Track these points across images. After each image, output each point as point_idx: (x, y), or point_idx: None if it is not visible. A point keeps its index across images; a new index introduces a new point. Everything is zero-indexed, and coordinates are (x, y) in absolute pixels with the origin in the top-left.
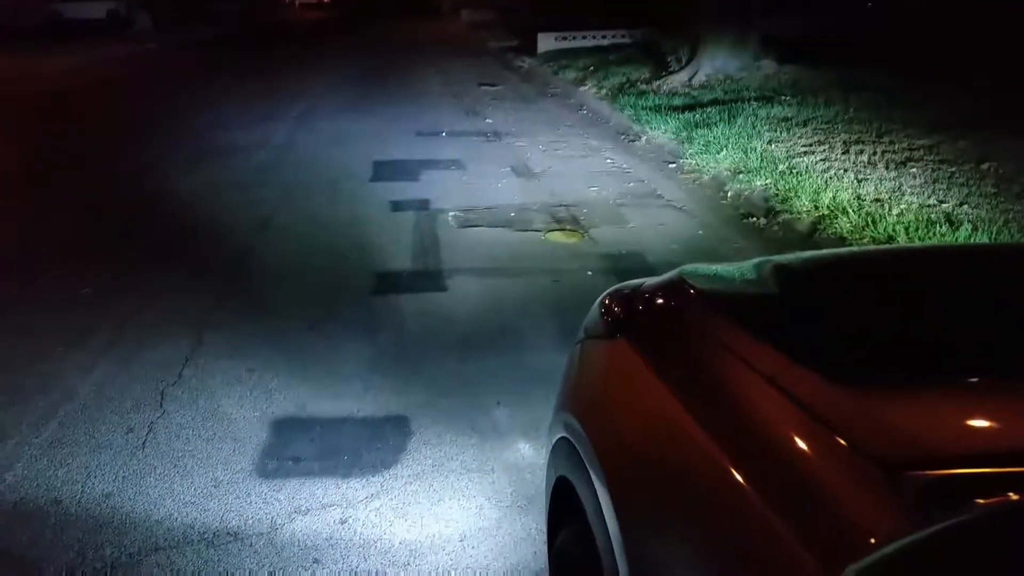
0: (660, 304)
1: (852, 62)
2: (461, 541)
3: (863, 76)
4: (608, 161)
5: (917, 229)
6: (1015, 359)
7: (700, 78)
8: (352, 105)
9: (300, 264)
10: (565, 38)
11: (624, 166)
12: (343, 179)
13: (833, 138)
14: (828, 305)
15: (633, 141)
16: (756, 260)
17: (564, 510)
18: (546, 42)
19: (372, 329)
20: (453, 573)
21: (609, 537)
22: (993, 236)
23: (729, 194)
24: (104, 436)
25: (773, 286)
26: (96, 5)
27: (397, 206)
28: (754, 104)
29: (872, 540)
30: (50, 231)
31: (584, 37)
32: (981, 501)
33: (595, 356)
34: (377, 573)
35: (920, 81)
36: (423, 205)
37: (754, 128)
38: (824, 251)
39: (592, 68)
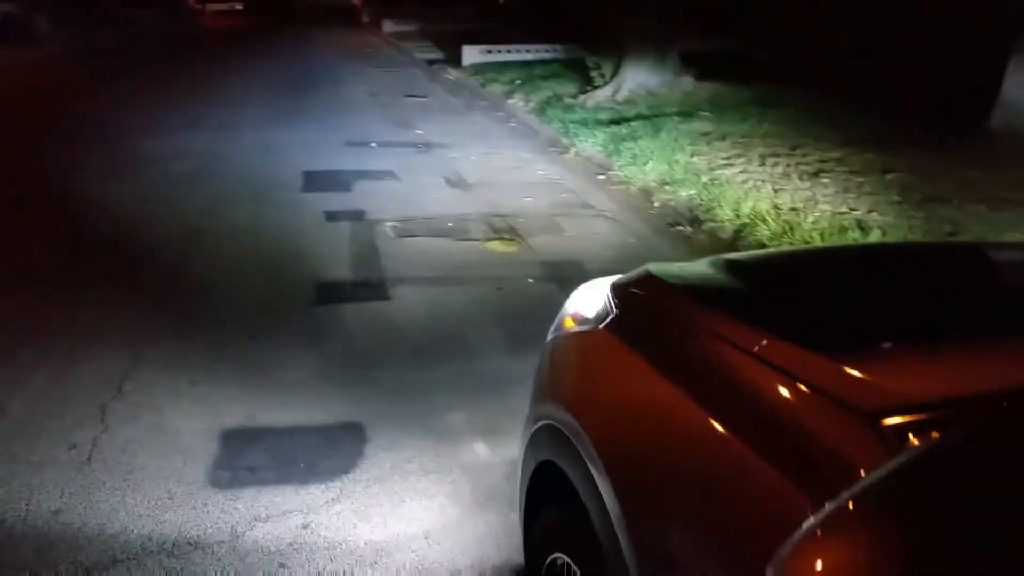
0: (641, 296)
1: (765, 80)
2: (426, 539)
3: (776, 93)
4: (540, 172)
5: (831, 234)
6: (942, 326)
7: (624, 93)
8: (277, 114)
9: (237, 275)
10: (490, 51)
11: (556, 177)
12: (273, 189)
13: (751, 151)
14: (786, 291)
15: (562, 153)
16: (710, 258)
17: (548, 493)
18: (472, 55)
19: (318, 339)
20: (420, 569)
21: (607, 513)
22: (900, 239)
23: (656, 204)
24: (46, 453)
25: (733, 278)
26: None
27: (332, 216)
28: (676, 119)
29: (861, 473)
30: None
31: (509, 51)
32: (937, 435)
33: (576, 346)
34: (344, 573)
35: (827, 98)
36: (359, 216)
37: (677, 142)
38: (770, 250)
39: (519, 82)
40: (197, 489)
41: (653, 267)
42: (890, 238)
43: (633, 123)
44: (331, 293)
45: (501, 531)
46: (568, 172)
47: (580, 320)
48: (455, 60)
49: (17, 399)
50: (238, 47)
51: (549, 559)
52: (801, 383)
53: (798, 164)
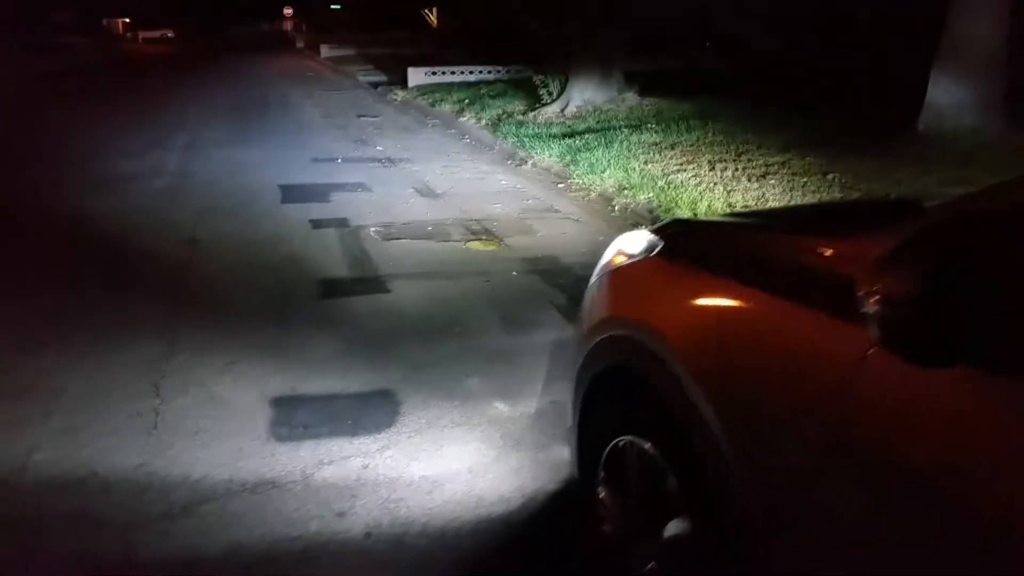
0: (688, 228)
1: (702, 94)
2: (470, 473)
3: (715, 106)
4: (503, 182)
5: None
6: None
7: (572, 109)
8: (237, 135)
9: (242, 276)
10: (435, 73)
11: (518, 186)
12: (253, 201)
13: (699, 158)
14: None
15: (520, 165)
16: (721, 214)
17: (609, 394)
18: (417, 76)
19: (332, 325)
20: (470, 495)
21: (685, 393)
22: None
23: (616, 207)
24: (114, 421)
25: (748, 218)
26: None
27: (317, 224)
28: (625, 131)
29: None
30: None
31: (454, 72)
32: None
33: (638, 271)
34: (406, 499)
35: (763, 109)
36: (342, 223)
37: (630, 151)
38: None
39: (467, 101)
40: (262, 443)
41: (679, 218)
42: None
43: (586, 136)
44: (334, 288)
45: (533, 466)
46: (528, 182)
47: (630, 255)
48: (400, 82)
49: (74, 380)
50: (180, 73)
51: (612, 444)
52: (835, 261)
53: (745, 168)
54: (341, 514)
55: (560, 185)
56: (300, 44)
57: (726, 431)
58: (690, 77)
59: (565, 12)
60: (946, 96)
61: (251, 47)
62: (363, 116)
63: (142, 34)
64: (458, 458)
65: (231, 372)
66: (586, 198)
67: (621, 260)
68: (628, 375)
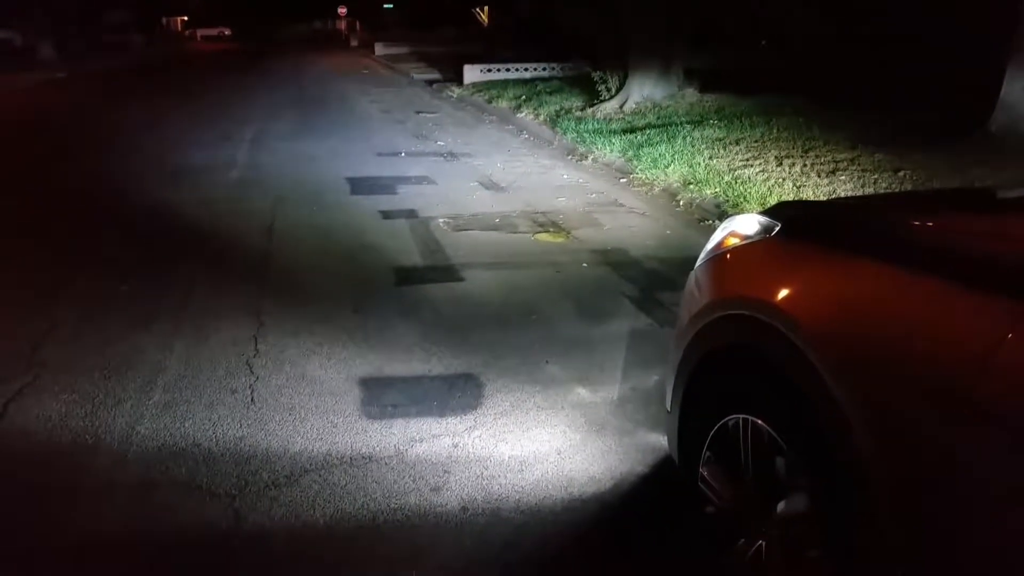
0: (806, 211)
1: (762, 90)
2: (558, 455)
3: (776, 102)
4: (564, 177)
5: None
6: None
7: (631, 105)
8: (300, 129)
9: (320, 262)
10: (490, 70)
11: (580, 181)
12: (324, 192)
13: (765, 154)
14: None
15: (581, 160)
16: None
17: (727, 371)
18: (472, 74)
19: (411, 311)
20: (560, 475)
21: (814, 370)
22: None
23: (681, 202)
24: (213, 396)
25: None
26: None
27: (387, 215)
28: (688, 127)
29: None
30: (53, 241)
31: (508, 69)
32: None
33: (755, 251)
34: (498, 477)
35: (825, 106)
36: (411, 214)
37: (693, 147)
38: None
39: (524, 97)
40: (355, 420)
41: (790, 201)
42: None
43: (647, 132)
44: (409, 276)
45: (620, 449)
46: (591, 176)
47: (744, 237)
48: (455, 79)
49: (170, 358)
50: (239, 70)
51: (721, 423)
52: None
53: (813, 164)
54: (436, 489)
55: (623, 180)
56: (354, 43)
57: (859, 407)
58: (749, 73)
59: (625, 9)
60: (1021, 94)
61: (306, 45)
62: (421, 112)
63: (200, 32)
64: (545, 440)
65: (318, 353)
66: (649, 193)
67: (734, 242)
68: (743, 354)
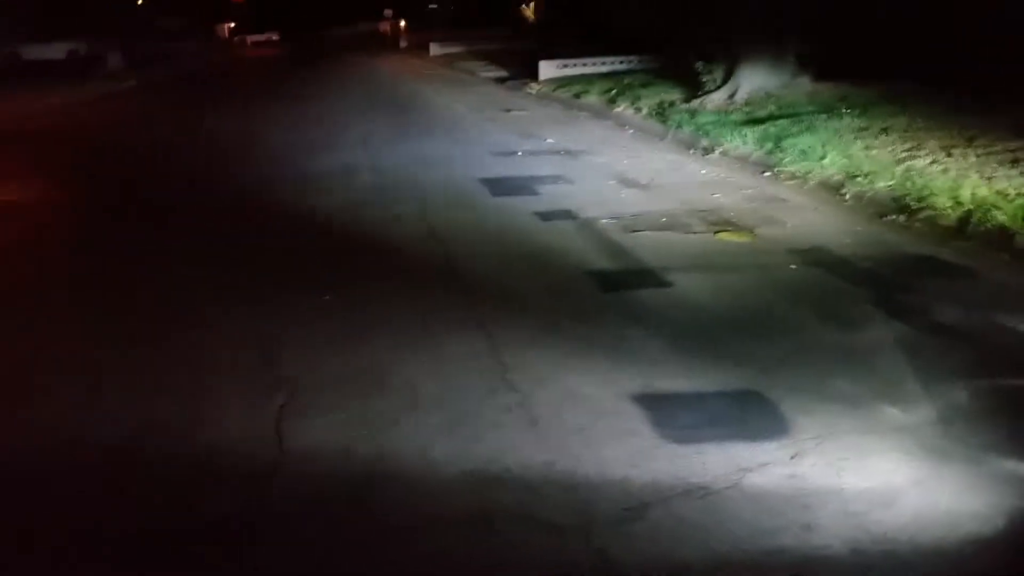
0: None
1: (881, 76)
2: (917, 486)
3: (903, 88)
4: (702, 172)
5: None
6: None
7: (741, 96)
8: (401, 132)
9: (505, 268)
10: (566, 65)
11: (722, 176)
12: (464, 194)
13: (924, 143)
14: None
15: (707, 154)
16: None
17: None
18: (547, 70)
19: (636, 318)
20: (936, 508)
21: None
22: None
23: (848, 196)
24: (489, 416)
25: None
26: (56, 46)
27: (544, 216)
28: (821, 117)
29: None
30: (244, 254)
31: (584, 64)
32: None
33: None
34: (867, 513)
35: (955, 93)
36: (568, 215)
37: (840, 137)
38: None
39: (614, 92)
40: (659, 444)
41: None
42: None
43: (777, 122)
44: (610, 281)
45: (985, 479)
46: (729, 170)
47: None
48: (528, 76)
49: (417, 373)
50: (299, 76)
51: None
52: None
53: (988, 154)
54: (808, 528)
55: (766, 173)
56: (403, 44)
57: None
58: (863, 58)
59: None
60: None
61: (355, 47)
62: (510, 110)
63: (250, 38)
64: (890, 470)
65: (568, 368)
66: (804, 186)
67: None
68: None
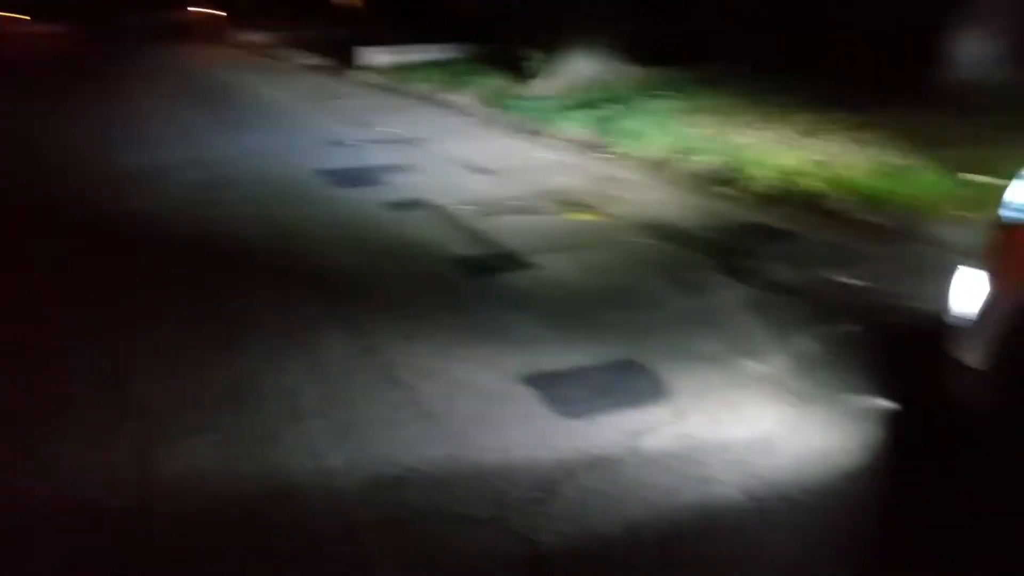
0: None
1: (701, 60)
2: (788, 430)
3: (720, 70)
4: (542, 156)
5: (879, 177)
6: None
7: (570, 82)
8: (224, 124)
9: (367, 262)
10: (393, 53)
11: (561, 159)
12: (306, 187)
13: (736, 120)
14: None
15: (541, 138)
16: None
17: None
18: (374, 57)
19: (511, 302)
20: (811, 449)
21: None
22: (937, 179)
23: (673, 171)
24: (390, 415)
25: None
26: None
27: (397, 206)
28: (643, 98)
29: None
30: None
31: (411, 52)
32: None
33: None
34: (751, 461)
35: (774, 72)
36: (421, 204)
37: (658, 118)
38: None
39: (442, 79)
40: (556, 421)
41: None
42: (922, 177)
43: (602, 106)
44: (478, 267)
45: (847, 416)
46: (566, 154)
47: None
48: (349, 63)
49: (296, 379)
50: (92, 63)
51: None
52: None
53: (792, 128)
54: (706, 481)
55: (598, 155)
56: (213, 31)
57: None
58: (683, 43)
59: None
60: (965, 50)
61: (157, 36)
62: (339, 99)
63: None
64: (762, 417)
65: (453, 356)
66: (636, 165)
67: None
68: None
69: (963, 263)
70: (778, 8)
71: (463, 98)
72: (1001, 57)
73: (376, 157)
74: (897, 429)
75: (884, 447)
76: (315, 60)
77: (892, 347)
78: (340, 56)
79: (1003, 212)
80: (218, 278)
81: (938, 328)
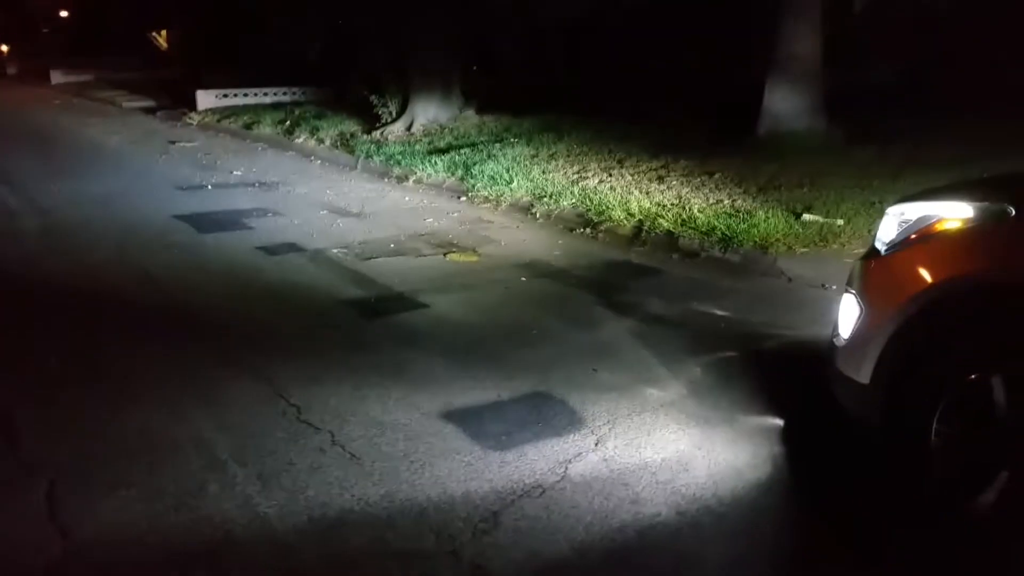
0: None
1: (533, 110)
2: (699, 449)
3: (554, 119)
4: (406, 199)
5: (721, 218)
6: None
7: (417, 127)
8: (53, 170)
9: (256, 308)
10: (226, 95)
11: (425, 202)
12: (168, 234)
13: (588, 166)
14: None
15: (403, 182)
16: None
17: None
18: (207, 99)
19: (413, 342)
20: (729, 466)
21: None
22: (776, 218)
23: (538, 214)
24: (307, 459)
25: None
26: None
27: (270, 251)
28: (495, 146)
29: None
30: None
31: (246, 95)
32: None
33: (995, 231)
34: (674, 480)
35: (603, 120)
36: (294, 247)
37: (518, 163)
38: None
39: (288, 122)
40: (485, 455)
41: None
42: (763, 218)
43: (460, 152)
44: (368, 310)
45: (747, 434)
46: (428, 197)
47: (967, 219)
48: (182, 105)
49: (209, 431)
50: None
51: (959, 383)
52: None
53: (642, 173)
54: (636, 501)
55: (463, 198)
56: (13, 71)
57: None
58: (516, 93)
59: (405, 35)
60: (780, 104)
61: None
62: (176, 142)
63: None
64: (674, 440)
65: (368, 399)
66: (500, 208)
67: (951, 225)
68: (988, 320)
69: (847, 290)
70: (611, 64)
71: (312, 142)
72: (809, 108)
73: (234, 201)
74: (792, 441)
75: (785, 457)
76: (139, 101)
77: (769, 370)
78: (171, 97)
79: (875, 244)
80: (88, 329)
81: (809, 351)
